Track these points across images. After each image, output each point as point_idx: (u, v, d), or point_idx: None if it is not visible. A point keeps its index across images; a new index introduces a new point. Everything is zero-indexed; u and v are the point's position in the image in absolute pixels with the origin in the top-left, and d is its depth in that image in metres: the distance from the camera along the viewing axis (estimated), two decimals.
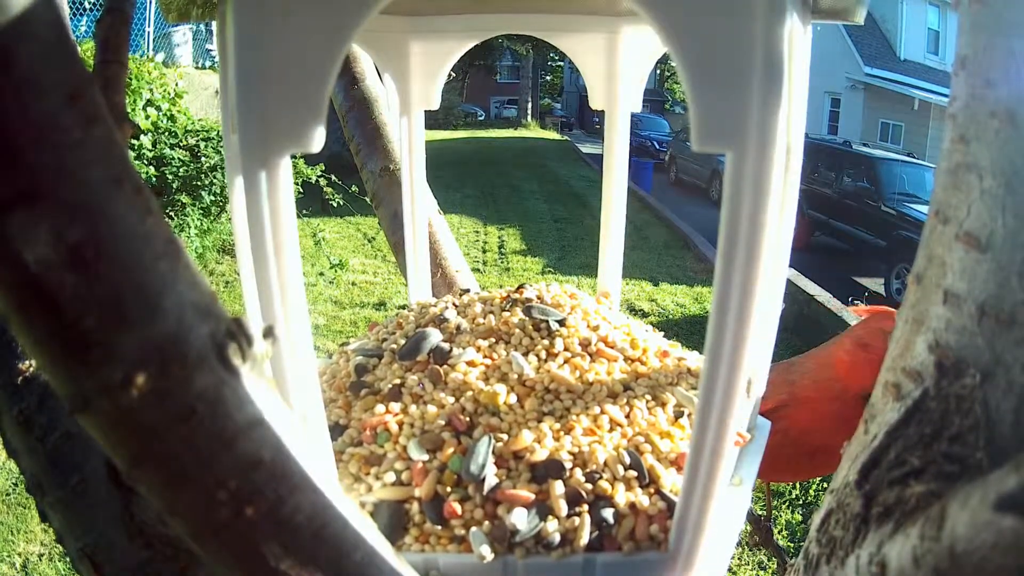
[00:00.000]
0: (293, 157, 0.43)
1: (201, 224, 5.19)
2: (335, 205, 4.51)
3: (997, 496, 0.25)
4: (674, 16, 0.34)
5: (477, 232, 7.19)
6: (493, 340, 0.57)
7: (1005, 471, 0.26)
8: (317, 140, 0.36)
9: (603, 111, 0.70)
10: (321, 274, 4.79)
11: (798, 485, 3.07)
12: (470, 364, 0.54)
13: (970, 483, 0.28)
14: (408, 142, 0.73)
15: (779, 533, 2.81)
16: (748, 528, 1.11)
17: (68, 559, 0.53)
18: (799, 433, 0.73)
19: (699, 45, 0.34)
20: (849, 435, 0.85)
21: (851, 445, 0.41)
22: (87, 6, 5.86)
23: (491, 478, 0.46)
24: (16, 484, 2.78)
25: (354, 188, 3.70)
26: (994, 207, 0.34)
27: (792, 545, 2.65)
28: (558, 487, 0.46)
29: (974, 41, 0.36)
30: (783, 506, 2.96)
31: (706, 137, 0.34)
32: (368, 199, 1.03)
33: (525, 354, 0.55)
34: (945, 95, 0.40)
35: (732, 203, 0.35)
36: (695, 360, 0.60)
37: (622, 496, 0.46)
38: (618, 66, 0.67)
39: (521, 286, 0.65)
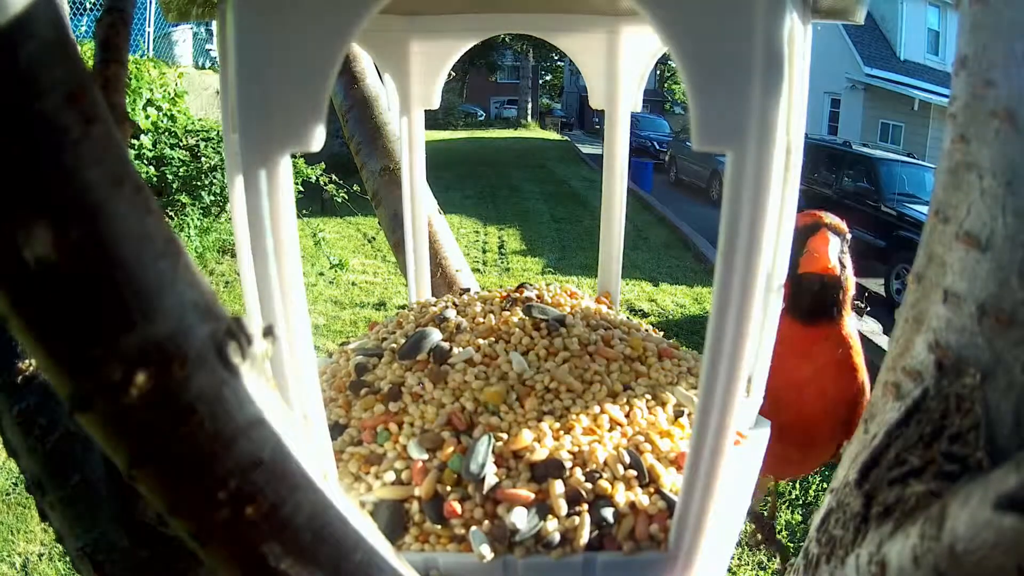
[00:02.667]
0: (293, 156, 0.43)
1: (201, 224, 5.19)
2: (338, 202, 4.50)
3: (997, 495, 0.25)
4: (674, 15, 0.34)
5: (477, 232, 7.19)
6: (493, 340, 0.57)
7: (1005, 470, 0.26)
8: (317, 139, 0.36)
9: (603, 111, 0.70)
10: (321, 274, 4.80)
11: (798, 485, 3.07)
12: (470, 363, 0.54)
13: (970, 482, 0.28)
14: (408, 142, 0.73)
15: (779, 533, 2.81)
16: (748, 528, 1.11)
17: (68, 559, 0.53)
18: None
19: (699, 45, 0.34)
20: (795, 348, 0.84)
21: (851, 444, 0.41)
22: (88, 6, 5.86)
23: (491, 477, 0.46)
24: (16, 484, 2.77)
25: (355, 187, 3.70)
26: (994, 207, 0.34)
27: (792, 545, 2.64)
28: (558, 486, 0.46)
29: (974, 41, 0.36)
30: (783, 506, 2.95)
31: (706, 137, 0.34)
32: (368, 198, 1.03)
33: (525, 353, 0.55)
34: (945, 95, 0.40)
35: (732, 202, 0.35)
36: (695, 360, 0.60)
37: (622, 495, 0.46)
38: (618, 65, 0.67)
39: (521, 285, 0.65)
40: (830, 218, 0.87)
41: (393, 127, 1.01)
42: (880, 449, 0.37)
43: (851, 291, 0.89)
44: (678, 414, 0.52)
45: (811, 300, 0.86)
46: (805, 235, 0.86)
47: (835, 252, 0.85)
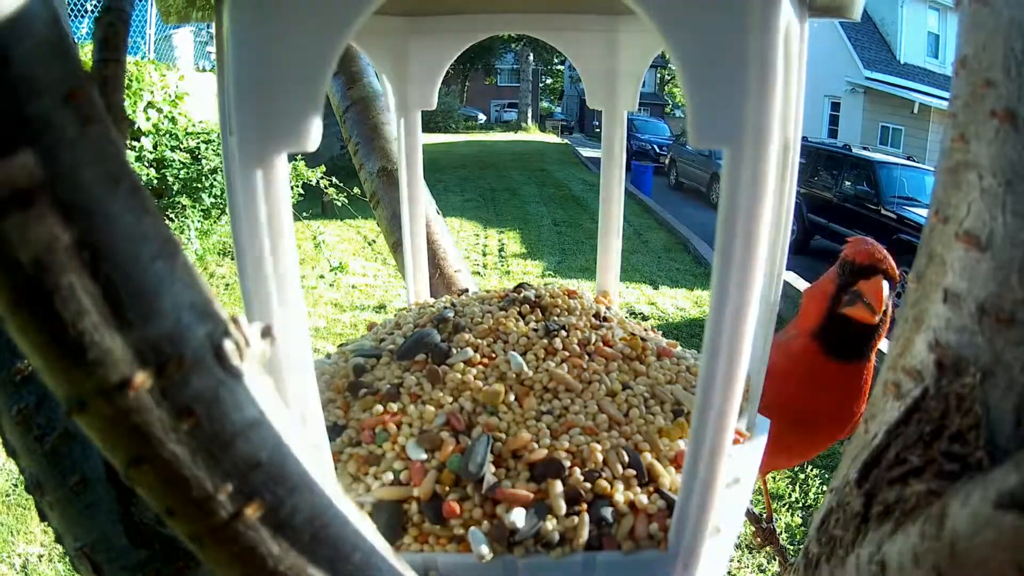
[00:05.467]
0: (293, 158, 0.43)
1: (201, 226, 5.20)
2: (338, 205, 4.51)
3: (998, 493, 0.25)
4: (671, 14, 0.34)
5: (477, 235, 7.19)
6: (491, 339, 0.56)
7: (1006, 469, 0.26)
8: (313, 138, 0.36)
9: (602, 112, 0.70)
10: (321, 277, 4.80)
11: (797, 487, 3.06)
12: (468, 364, 0.54)
13: (970, 481, 0.28)
14: (405, 142, 0.73)
15: (778, 535, 2.80)
16: (748, 530, 1.11)
17: (67, 560, 0.53)
18: (778, 403, 0.72)
19: (695, 42, 0.34)
20: (824, 383, 0.84)
21: (851, 443, 0.41)
22: (88, 8, 5.87)
23: (490, 477, 0.46)
24: (16, 485, 2.78)
25: (356, 190, 3.70)
26: (994, 206, 0.34)
27: (792, 548, 2.64)
28: (557, 486, 0.45)
29: (974, 40, 0.36)
30: (783, 509, 2.95)
31: (703, 134, 0.34)
32: (367, 199, 1.03)
33: (523, 353, 0.55)
34: (945, 99, 0.40)
35: (730, 197, 0.35)
36: (694, 359, 0.60)
37: (621, 495, 0.46)
38: (615, 65, 0.67)
39: (520, 285, 0.64)
40: (887, 261, 0.85)
41: (391, 127, 1.01)
42: (880, 448, 0.37)
43: (885, 333, 0.89)
44: (677, 413, 0.52)
45: (845, 340, 0.85)
46: (858, 272, 0.84)
47: (887, 303, 0.83)
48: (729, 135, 0.34)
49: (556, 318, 0.59)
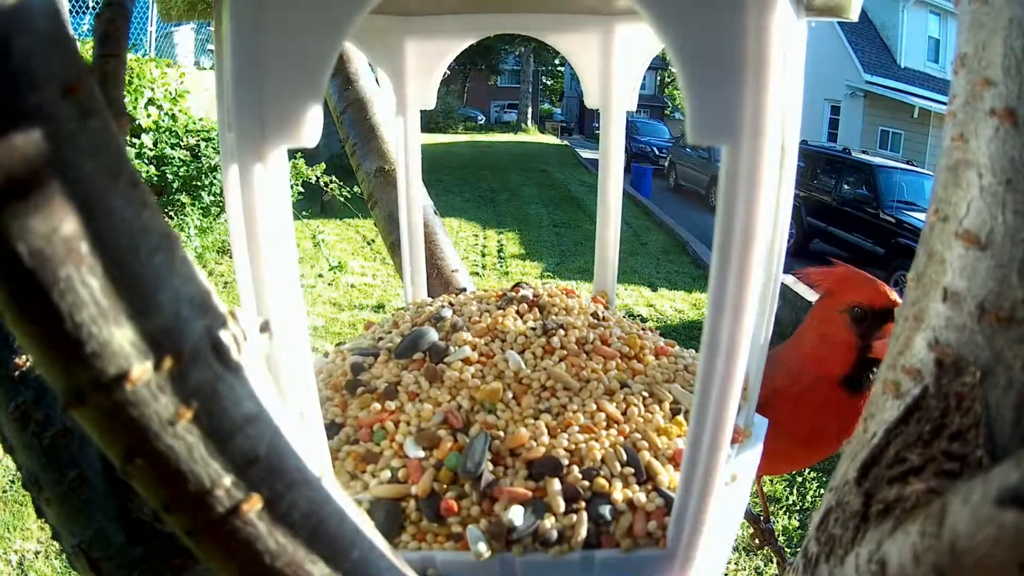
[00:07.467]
0: (293, 156, 0.43)
1: (201, 224, 5.19)
2: (340, 202, 4.49)
3: (999, 491, 0.25)
4: (669, 12, 0.34)
5: (476, 236, 7.19)
6: (489, 338, 0.56)
7: (1007, 466, 0.26)
8: (312, 135, 0.36)
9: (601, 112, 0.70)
10: (320, 276, 4.79)
11: (795, 490, 3.06)
12: (466, 362, 0.54)
13: (971, 480, 0.28)
14: (404, 142, 0.73)
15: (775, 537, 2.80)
16: (746, 532, 1.11)
17: (65, 556, 0.53)
18: (789, 425, 0.73)
19: (694, 40, 0.34)
20: (836, 413, 0.86)
21: (851, 443, 0.41)
22: (90, 4, 5.86)
23: (488, 475, 0.46)
24: (13, 481, 2.77)
25: (356, 189, 3.70)
26: (994, 204, 0.34)
27: (790, 551, 2.64)
28: (555, 484, 0.45)
29: (974, 39, 0.36)
30: (780, 511, 2.95)
31: (701, 131, 0.34)
32: (365, 199, 1.03)
33: (521, 352, 0.55)
34: (945, 103, 0.40)
35: (728, 194, 0.35)
36: (692, 358, 0.60)
37: (619, 493, 0.46)
38: (613, 65, 0.67)
39: (517, 284, 0.65)
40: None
41: (388, 128, 1.01)
42: (880, 447, 0.37)
43: None
44: (675, 411, 0.52)
45: (864, 378, 0.87)
46: (879, 317, 0.87)
47: None
48: (727, 132, 0.34)
49: (554, 317, 0.59)
